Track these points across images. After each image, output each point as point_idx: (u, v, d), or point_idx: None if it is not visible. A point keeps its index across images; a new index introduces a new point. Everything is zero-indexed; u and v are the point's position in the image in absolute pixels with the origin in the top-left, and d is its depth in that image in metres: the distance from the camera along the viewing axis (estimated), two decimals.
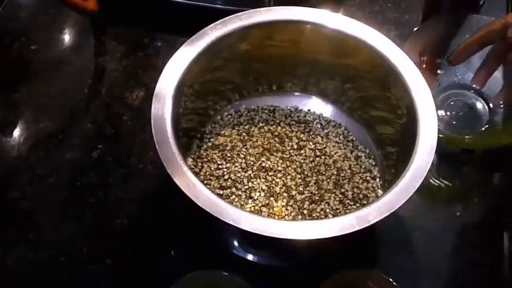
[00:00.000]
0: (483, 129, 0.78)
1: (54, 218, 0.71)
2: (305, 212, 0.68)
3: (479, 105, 0.80)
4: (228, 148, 0.73)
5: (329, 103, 0.78)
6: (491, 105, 0.79)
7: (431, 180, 0.74)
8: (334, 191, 0.70)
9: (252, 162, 0.72)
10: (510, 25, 0.69)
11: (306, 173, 0.71)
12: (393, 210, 0.56)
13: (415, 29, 0.84)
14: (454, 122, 0.78)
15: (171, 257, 0.69)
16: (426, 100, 0.64)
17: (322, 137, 0.75)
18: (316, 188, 0.70)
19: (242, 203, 0.69)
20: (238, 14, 0.69)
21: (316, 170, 0.72)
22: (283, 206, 0.69)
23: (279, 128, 0.76)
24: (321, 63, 0.74)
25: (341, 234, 0.54)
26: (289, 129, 0.76)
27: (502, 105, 0.77)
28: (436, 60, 0.81)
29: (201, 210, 0.54)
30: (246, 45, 0.71)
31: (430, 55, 0.81)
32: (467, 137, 0.77)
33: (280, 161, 0.72)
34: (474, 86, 0.79)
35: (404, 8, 0.93)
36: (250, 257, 0.67)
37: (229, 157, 0.72)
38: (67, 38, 0.90)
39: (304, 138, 0.75)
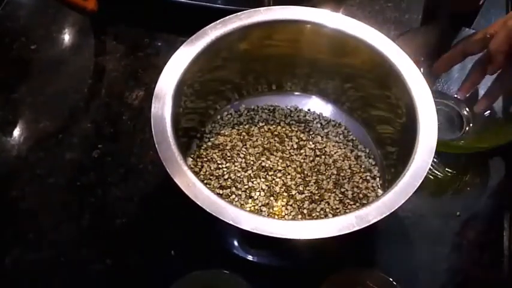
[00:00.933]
0: (460, 136, 0.78)
1: (53, 218, 0.71)
2: (305, 211, 0.68)
3: (458, 114, 0.80)
4: (227, 148, 0.73)
5: (329, 103, 0.78)
6: (464, 112, 0.79)
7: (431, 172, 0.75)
8: (334, 190, 0.70)
9: (252, 162, 0.72)
10: (491, 36, 0.70)
11: (305, 172, 0.71)
12: (393, 210, 0.56)
13: (401, 35, 0.83)
14: None
15: (171, 256, 0.69)
16: (426, 100, 0.64)
17: (322, 137, 0.75)
18: (316, 188, 0.70)
19: (242, 202, 0.69)
20: (238, 13, 0.69)
21: (316, 169, 0.72)
22: (283, 206, 0.69)
23: (279, 127, 0.76)
24: (320, 62, 0.74)
25: (341, 234, 0.54)
26: (289, 129, 0.76)
27: (485, 112, 0.78)
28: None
29: (201, 209, 0.54)
30: (245, 45, 0.71)
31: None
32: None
33: (280, 161, 0.72)
34: (456, 96, 0.80)
35: (404, 8, 0.93)
36: (250, 256, 0.67)
37: (229, 157, 0.72)
38: (67, 37, 0.90)
39: (304, 138, 0.75)
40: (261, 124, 0.76)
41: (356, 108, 0.76)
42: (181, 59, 0.65)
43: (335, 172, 0.72)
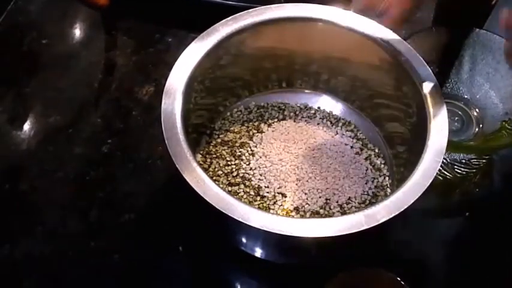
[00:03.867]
0: (470, 137, 0.78)
1: (62, 212, 0.71)
2: (314, 209, 0.68)
3: (468, 115, 0.80)
4: (237, 145, 0.73)
5: (339, 101, 0.78)
6: (474, 113, 0.79)
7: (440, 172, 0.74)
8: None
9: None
10: None
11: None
12: (402, 210, 0.55)
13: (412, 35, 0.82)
14: None
15: (178, 252, 0.69)
16: (437, 99, 0.63)
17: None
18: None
19: (251, 200, 0.68)
20: (250, 10, 0.69)
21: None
22: (291, 204, 0.68)
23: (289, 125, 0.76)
24: (331, 61, 0.74)
25: (350, 232, 0.54)
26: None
27: None
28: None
29: (209, 206, 0.54)
30: (256, 42, 0.71)
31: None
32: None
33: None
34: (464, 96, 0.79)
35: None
36: (258, 253, 0.66)
37: (238, 153, 0.72)
38: (78, 32, 0.90)
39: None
40: (270, 121, 0.76)
41: (366, 107, 0.76)
42: (192, 55, 0.65)
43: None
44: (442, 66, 0.79)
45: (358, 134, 0.75)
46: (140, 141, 0.77)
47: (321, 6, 0.70)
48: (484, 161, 0.77)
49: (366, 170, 0.72)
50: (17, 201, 0.72)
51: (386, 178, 0.72)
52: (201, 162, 0.71)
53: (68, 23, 0.90)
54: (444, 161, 0.75)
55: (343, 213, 0.68)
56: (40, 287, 0.66)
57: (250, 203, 0.68)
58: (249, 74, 0.75)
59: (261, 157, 0.72)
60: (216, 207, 0.54)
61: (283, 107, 0.77)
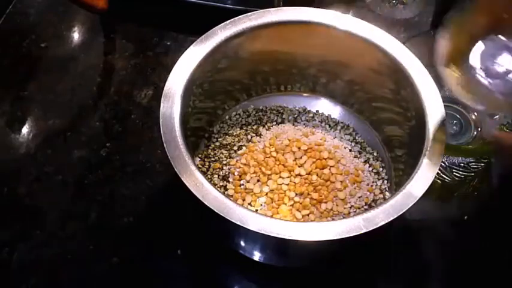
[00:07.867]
0: (468, 141, 0.78)
1: (61, 215, 0.71)
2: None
3: (467, 119, 0.80)
4: (235, 148, 0.73)
5: (338, 104, 0.78)
6: (473, 116, 0.79)
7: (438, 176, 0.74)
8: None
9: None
10: None
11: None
12: (401, 213, 0.55)
13: (410, 38, 0.82)
14: None
15: (177, 256, 0.69)
16: (435, 102, 0.64)
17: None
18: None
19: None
20: (248, 14, 0.69)
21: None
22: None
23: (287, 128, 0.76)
24: (330, 64, 0.74)
25: (348, 236, 0.54)
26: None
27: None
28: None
29: (208, 209, 0.54)
30: (255, 46, 0.71)
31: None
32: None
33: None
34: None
35: (414, 10, 0.93)
36: (256, 257, 0.66)
37: (237, 157, 0.72)
38: (76, 35, 0.90)
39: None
40: (269, 125, 0.76)
41: (365, 110, 0.76)
42: (191, 58, 0.65)
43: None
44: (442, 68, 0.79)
45: (356, 138, 0.76)
46: (139, 144, 0.77)
47: (320, 10, 0.70)
48: (482, 164, 0.77)
49: (365, 174, 0.72)
50: (15, 205, 0.72)
51: (385, 181, 0.72)
52: (199, 166, 0.71)
53: (67, 26, 0.90)
54: (443, 164, 0.75)
55: (342, 216, 0.68)
56: None
57: (248, 207, 0.68)
58: (247, 78, 0.75)
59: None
60: (215, 210, 0.54)
61: (282, 111, 0.77)
